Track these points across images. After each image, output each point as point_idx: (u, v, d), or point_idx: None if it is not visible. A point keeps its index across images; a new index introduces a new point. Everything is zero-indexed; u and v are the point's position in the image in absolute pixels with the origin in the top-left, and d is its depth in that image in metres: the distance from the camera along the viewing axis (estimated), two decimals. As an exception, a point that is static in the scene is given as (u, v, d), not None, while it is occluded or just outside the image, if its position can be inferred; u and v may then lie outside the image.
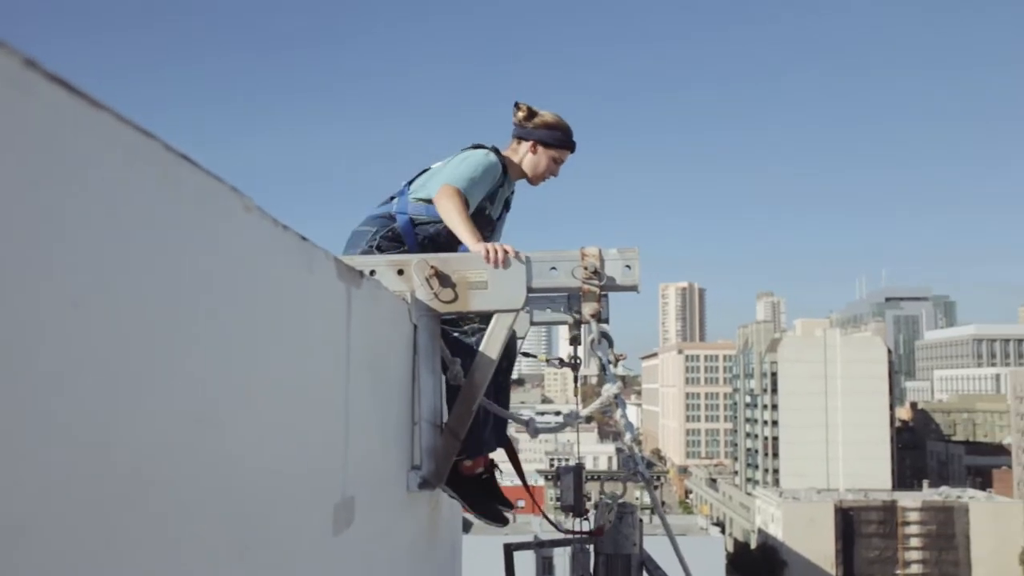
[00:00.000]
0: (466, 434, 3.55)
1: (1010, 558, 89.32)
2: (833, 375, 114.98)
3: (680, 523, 63.58)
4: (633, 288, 3.45)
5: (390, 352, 3.15)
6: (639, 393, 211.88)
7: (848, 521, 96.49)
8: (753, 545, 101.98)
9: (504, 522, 3.95)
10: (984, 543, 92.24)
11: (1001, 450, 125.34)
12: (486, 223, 4.20)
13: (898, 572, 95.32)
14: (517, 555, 5.45)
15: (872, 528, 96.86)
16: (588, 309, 3.40)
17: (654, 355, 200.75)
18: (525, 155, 4.43)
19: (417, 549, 3.68)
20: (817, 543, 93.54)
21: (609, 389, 3.53)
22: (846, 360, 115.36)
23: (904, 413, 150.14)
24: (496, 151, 4.32)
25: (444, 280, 3.35)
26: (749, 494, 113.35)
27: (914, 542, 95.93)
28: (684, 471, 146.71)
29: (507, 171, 4.38)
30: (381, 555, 2.90)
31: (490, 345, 3.41)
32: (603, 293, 3.43)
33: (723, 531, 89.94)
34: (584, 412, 3.71)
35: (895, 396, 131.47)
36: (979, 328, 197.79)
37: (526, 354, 5.20)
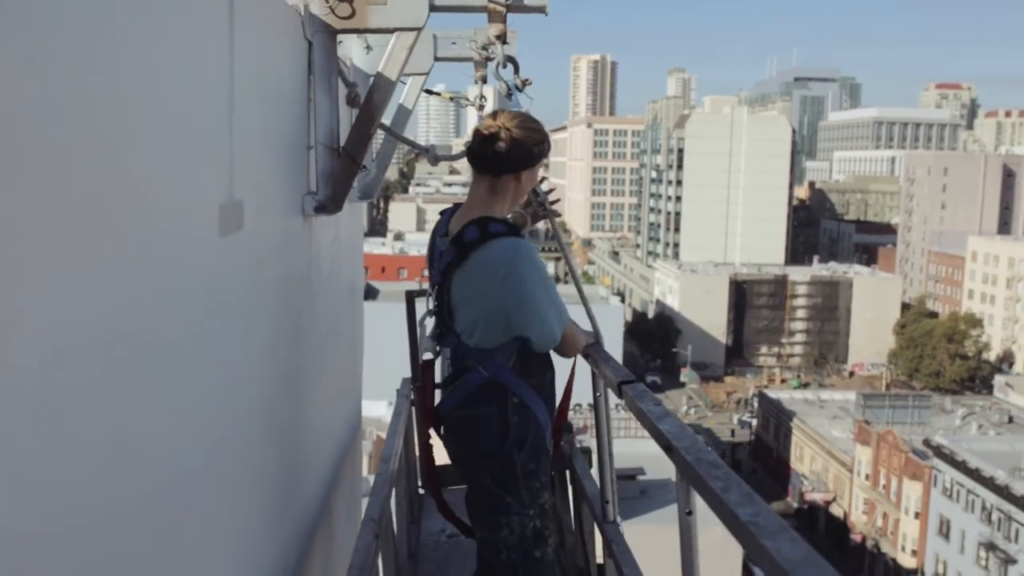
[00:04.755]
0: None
1: (885, 328, 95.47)
2: (738, 152, 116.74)
3: (582, 292, 65.37)
4: (541, 9, 3.28)
5: (281, 66, 2.96)
6: (547, 167, 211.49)
7: (741, 293, 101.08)
8: (651, 315, 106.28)
9: None
10: (864, 314, 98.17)
11: (888, 229, 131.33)
12: None
13: (783, 340, 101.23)
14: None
15: (763, 300, 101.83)
16: (494, 30, 3.22)
17: (563, 128, 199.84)
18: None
19: (313, 277, 3.64)
20: (711, 313, 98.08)
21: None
22: (751, 138, 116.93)
23: (802, 192, 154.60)
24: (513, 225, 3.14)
25: (341, -7, 3.11)
26: (649, 266, 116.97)
27: (800, 313, 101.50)
28: (588, 243, 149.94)
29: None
30: (273, 273, 2.83)
31: (389, 66, 3.24)
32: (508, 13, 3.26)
33: (623, 301, 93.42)
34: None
35: (795, 175, 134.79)
36: (881, 111, 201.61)
37: (429, 91, 5.04)
